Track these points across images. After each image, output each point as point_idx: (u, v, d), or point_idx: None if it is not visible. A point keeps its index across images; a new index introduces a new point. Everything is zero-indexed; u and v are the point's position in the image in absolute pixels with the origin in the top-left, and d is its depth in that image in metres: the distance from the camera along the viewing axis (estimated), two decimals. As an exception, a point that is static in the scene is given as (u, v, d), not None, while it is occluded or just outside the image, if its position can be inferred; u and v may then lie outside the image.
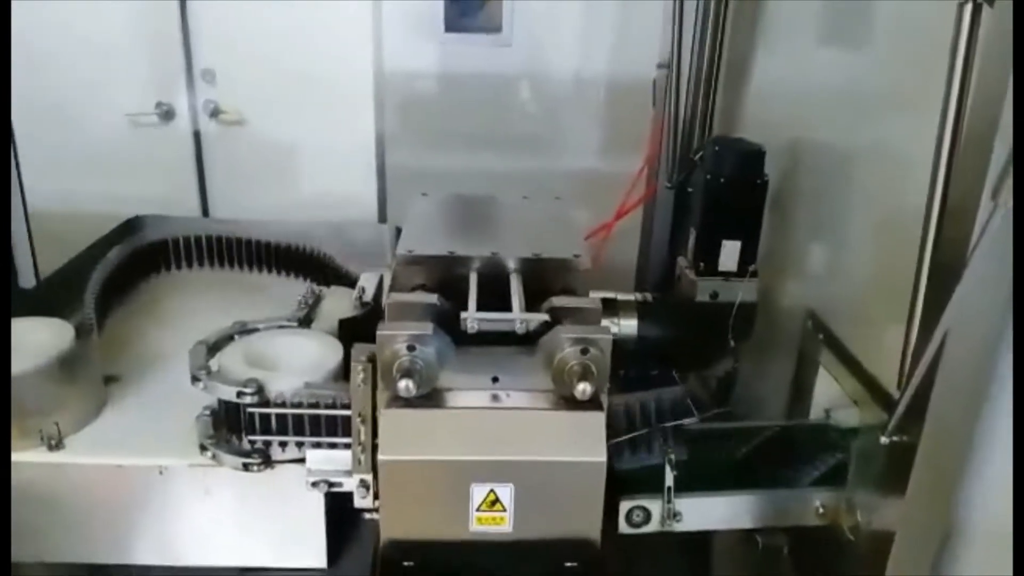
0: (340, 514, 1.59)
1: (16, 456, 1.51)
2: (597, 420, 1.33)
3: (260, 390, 1.44)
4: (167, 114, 2.96)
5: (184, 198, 2.99)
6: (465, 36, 2.73)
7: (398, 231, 2.31)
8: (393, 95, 2.81)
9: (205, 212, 3.03)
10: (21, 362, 1.51)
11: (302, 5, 2.74)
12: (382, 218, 2.92)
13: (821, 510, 1.50)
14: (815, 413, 1.71)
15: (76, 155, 2.84)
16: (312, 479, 1.47)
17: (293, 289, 2.17)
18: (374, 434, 1.41)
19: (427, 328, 1.33)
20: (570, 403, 1.33)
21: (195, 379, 1.49)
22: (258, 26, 2.79)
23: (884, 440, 1.27)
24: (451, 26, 2.71)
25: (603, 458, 1.30)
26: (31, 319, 1.66)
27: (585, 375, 1.29)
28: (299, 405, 1.46)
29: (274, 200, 2.92)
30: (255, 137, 2.95)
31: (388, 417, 1.32)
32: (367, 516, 1.73)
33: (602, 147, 2.82)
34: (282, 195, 2.96)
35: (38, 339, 1.57)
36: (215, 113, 2.94)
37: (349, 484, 1.46)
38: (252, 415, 1.46)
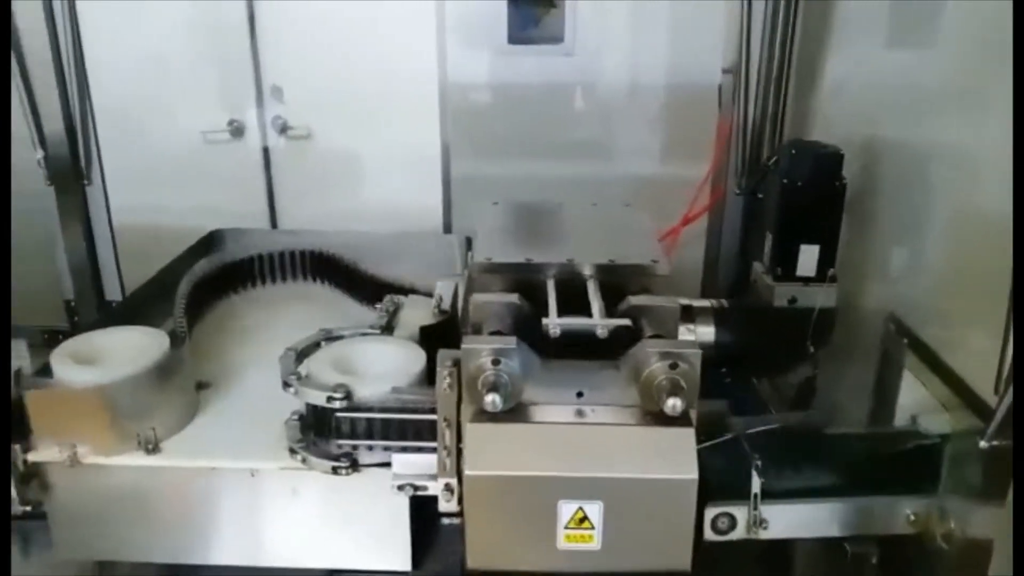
0: (423, 517, 1.62)
1: (116, 460, 1.57)
2: (687, 436, 1.31)
3: (349, 395, 1.47)
4: (238, 131, 3.06)
5: (254, 210, 3.08)
6: (527, 47, 2.77)
7: (468, 241, 2.35)
8: (457, 106, 2.85)
9: (274, 224, 3.12)
10: (120, 369, 1.57)
11: (367, 21, 2.80)
12: (447, 227, 2.97)
13: (912, 518, 1.47)
14: (900, 419, 1.68)
15: (154, 171, 2.96)
16: (398, 483, 1.49)
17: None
18: (459, 438, 1.43)
19: (511, 342, 1.33)
20: (658, 419, 1.31)
21: (286, 384, 1.53)
22: (324, 44, 2.87)
23: (983, 445, 1.24)
24: (514, 38, 2.74)
25: (695, 475, 1.28)
26: (128, 328, 1.73)
27: (675, 390, 1.28)
28: (386, 409, 1.49)
29: (340, 211, 2.98)
30: (322, 151, 3.03)
31: (474, 432, 1.32)
32: (446, 521, 1.77)
33: (665, 153, 2.82)
34: (348, 206, 3.03)
35: (135, 347, 1.64)
36: (284, 129, 3.03)
37: (434, 488, 1.48)
38: (340, 419, 1.49)
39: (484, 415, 1.31)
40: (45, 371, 1.61)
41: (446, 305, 1.88)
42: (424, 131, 2.92)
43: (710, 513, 1.43)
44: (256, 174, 3.08)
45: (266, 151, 3.06)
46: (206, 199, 2.96)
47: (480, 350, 1.31)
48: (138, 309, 1.97)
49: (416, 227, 2.87)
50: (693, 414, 1.33)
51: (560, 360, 1.37)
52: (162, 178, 2.96)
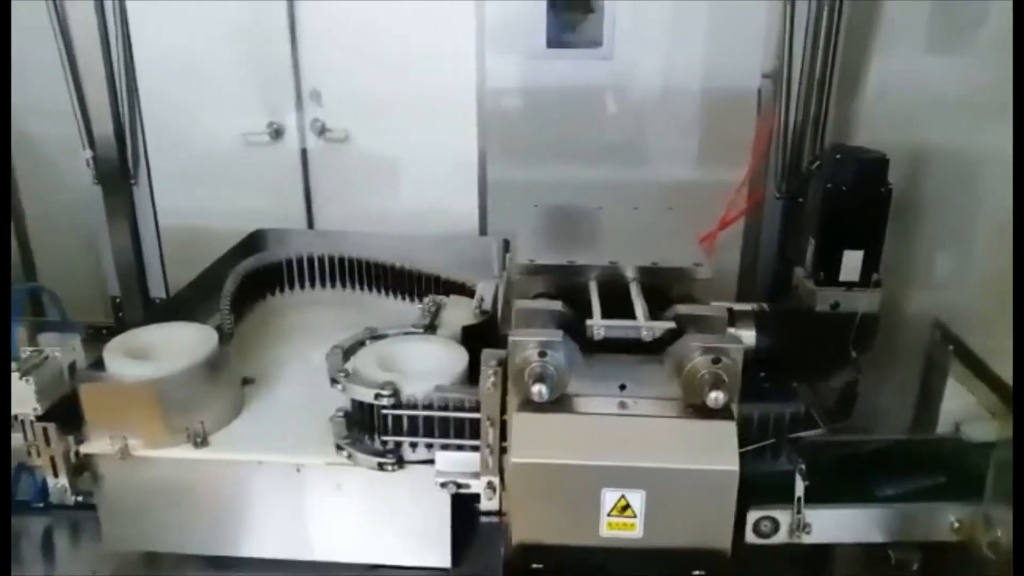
0: (461, 517, 1.64)
1: (165, 452, 1.60)
2: (729, 429, 1.32)
3: (396, 392, 1.49)
4: (277, 133, 3.11)
5: (291, 212, 3.13)
6: (566, 51, 2.78)
7: (506, 243, 2.37)
8: (494, 110, 2.87)
9: (310, 225, 3.16)
10: (171, 364, 1.61)
11: (406, 26, 2.84)
12: (482, 231, 2.99)
13: (956, 525, 1.46)
14: (943, 426, 1.66)
15: (197, 172, 3.02)
16: (441, 480, 1.51)
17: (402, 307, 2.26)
18: (502, 437, 1.45)
19: (557, 335, 1.35)
20: (700, 412, 1.33)
21: (334, 381, 1.55)
22: (362, 48, 2.90)
23: (1033, 452, 1.23)
24: (552, 42, 2.76)
25: (736, 467, 1.29)
26: (178, 324, 1.77)
27: (717, 384, 1.29)
28: (430, 407, 1.51)
29: (376, 213, 3.02)
30: (359, 153, 3.07)
31: (520, 421, 1.34)
32: (484, 520, 1.79)
33: (703, 157, 2.82)
34: (384, 208, 3.07)
35: (185, 342, 1.68)
36: (322, 131, 3.07)
37: (476, 486, 1.50)
38: (386, 416, 1.51)
39: (530, 405, 1.33)
40: (97, 365, 1.65)
41: (487, 306, 1.90)
42: (461, 135, 2.94)
43: (752, 516, 1.44)
44: (294, 176, 3.13)
45: (304, 153, 3.11)
46: (246, 200, 3.01)
47: (527, 342, 1.34)
48: (183, 307, 2.00)
49: (451, 230, 2.89)
50: (734, 408, 1.34)
51: (603, 354, 1.38)
52: (204, 179, 3.01)
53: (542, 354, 1.33)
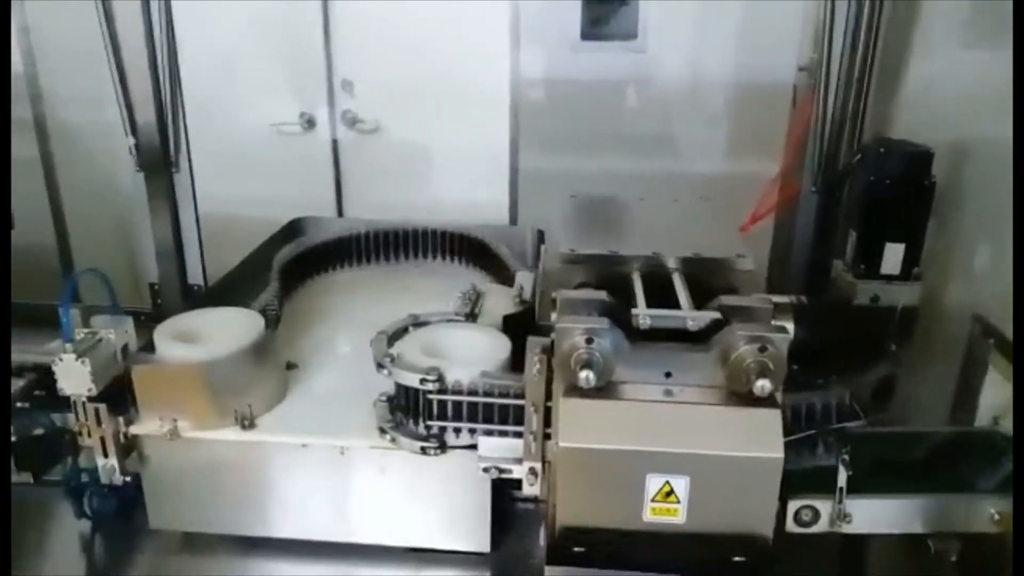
0: (499, 503, 1.66)
1: (214, 434, 1.64)
2: (774, 417, 1.33)
3: (441, 378, 1.51)
4: (309, 123, 3.15)
5: (322, 201, 3.16)
6: (600, 43, 2.79)
7: (540, 233, 2.39)
8: (528, 101, 2.89)
9: (340, 214, 3.20)
10: (221, 347, 1.64)
11: (439, 16, 2.86)
12: (512, 221, 3.01)
13: (996, 517, 1.46)
14: (982, 420, 1.67)
15: (231, 162, 3.06)
16: (483, 464, 1.53)
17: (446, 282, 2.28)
18: (546, 423, 1.47)
19: (603, 322, 1.36)
20: (745, 400, 1.34)
21: (380, 366, 1.58)
22: (395, 39, 2.93)
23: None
24: (587, 34, 2.77)
25: (781, 454, 1.31)
26: (224, 309, 1.80)
27: (763, 372, 1.30)
28: (475, 393, 1.53)
29: (406, 203, 3.05)
30: (390, 143, 3.10)
31: (567, 406, 1.36)
32: (520, 506, 1.81)
33: (737, 150, 2.82)
34: (413, 198, 3.10)
35: (233, 327, 1.71)
36: (353, 122, 3.10)
37: (518, 471, 1.52)
38: (430, 401, 1.54)
39: (576, 391, 1.35)
40: (147, 348, 1.69)
41: (527, 295, 1.92)
42: (492, 125, 2.96)
43: (793, 506, 1.45)
44: (326, 166, 3.16)
45: (335, 143, 3.14)
46: (278, 188, 3.05)
47: (574, 329, 1.35)
48: (224, 293, 2.04)
49: (482, 220, 2.91)
50: (778, 396, 1.35)
51: (649, 342, 1.40)
52: (238, 168, 3.06)
53: (589, 340, 1.34)
